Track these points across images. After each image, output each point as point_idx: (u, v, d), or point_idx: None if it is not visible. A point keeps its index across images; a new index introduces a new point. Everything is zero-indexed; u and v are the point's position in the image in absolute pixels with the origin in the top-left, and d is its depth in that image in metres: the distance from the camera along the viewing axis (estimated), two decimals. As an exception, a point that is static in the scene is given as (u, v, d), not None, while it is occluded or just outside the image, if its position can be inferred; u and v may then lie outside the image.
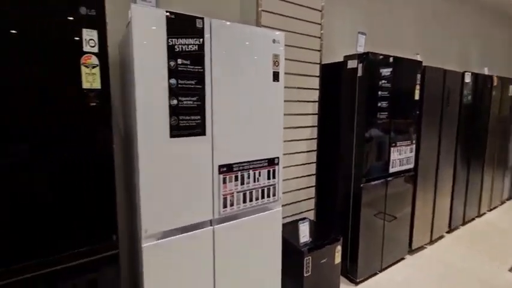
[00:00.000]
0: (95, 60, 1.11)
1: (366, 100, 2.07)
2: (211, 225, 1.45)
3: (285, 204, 2.16)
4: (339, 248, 2.00)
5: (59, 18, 1.04)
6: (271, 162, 1.63)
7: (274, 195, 1.66)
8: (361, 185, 2.12)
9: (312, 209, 2.37)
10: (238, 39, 1.42)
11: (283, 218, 2.13)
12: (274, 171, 1.65)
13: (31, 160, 1.03)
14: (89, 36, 1.09)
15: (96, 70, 1.11)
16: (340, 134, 2.25)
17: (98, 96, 1.12)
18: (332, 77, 2.26)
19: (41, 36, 1.02)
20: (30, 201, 1.04)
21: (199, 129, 1.36)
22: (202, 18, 1.30)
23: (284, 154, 2.08)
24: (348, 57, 2.15)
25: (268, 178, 1.63)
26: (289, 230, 1.98)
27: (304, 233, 1.93)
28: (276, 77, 1.59)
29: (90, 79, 1.11)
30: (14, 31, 0.97)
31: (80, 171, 1.12)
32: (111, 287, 1.21)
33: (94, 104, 1.12)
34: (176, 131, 1.30)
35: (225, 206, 1.47)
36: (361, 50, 2.48)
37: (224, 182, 1.46)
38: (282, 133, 1.66)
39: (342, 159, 2.25)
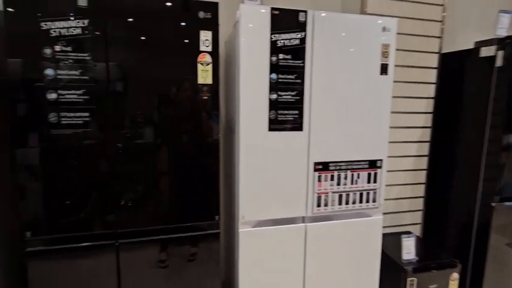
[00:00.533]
0: (208, 58, 1.24)
1: (507, 97, 1.64)
2: (303, 223, 1.42)
3: (384, 213, 1.93)
4: (456, 275, 1.66)
5: (183, 23, 1.22)
6: (373, 164, 1.48)
7: (374, 201, 1.51)
8: (492, 205, 1.70)
9: (417, 223, 2.05)
10: (342, 30, 1.35)
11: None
12: (376, 174, 1.49)
13: (155, 143, 1.24)
14: (205, 37, 1.23)
15: (209, 67, 1.25)
16: (463, 138, 1.86)
17: (209, 90, 1.26)
18: (454, 68, 1.89)
19: (169, 40, 1.21)
20: (153, 178, 1.26)
21: (296, 124, 1.35)
22: (305, 12, 1.29)
23: (388, 157, 1.86)
24: (481, 44, 1.75)
25: (369, 182, 1.49)
26: (388, 242, 1.76)
27: (409, 249, 1.68)
28: (384, 69, 1.43)
29: (204, 75, 1.25)
30: (143, 37, 1.19)
31: (192, 155, 1.28)
32: (211, 260, 1.35)
33: (206, 97, 1.26)
34: (274, 124, 1.32)
35: (318, 205, 1.42)
36: (503, 33, 1.98)
37: (319, 180, 1.41)
38: (388, 133, 1.49)
39: (463, 170, 1.86)
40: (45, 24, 1.06)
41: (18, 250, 1.16)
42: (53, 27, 1.07)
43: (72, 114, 1.12)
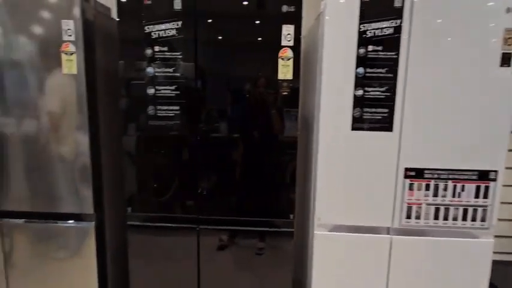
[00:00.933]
0: (290, 53, 1.22)
1: None
2: (388, 234, 1.27)
3: (496, 236, 1.58)
4: None
5: (266, 19, 1.22)
6: (484, 175, 1.22)
7: (483, 220, 1.24)
8: None
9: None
10: (449, 14, 1.14)
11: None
12: (487, 188, 1.22)
13: (235, 138, 1.29)
14: (287, 31, 1.21)
15: (290, 62, 1.22)
16: None
17: (289, 86, 1.24)
18: None
19: (252, 37, 1.23)
20: (229, 171, 1.31)
21: (385, 124, 1.21)
22: (402, -5, 1.14)
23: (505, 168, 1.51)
24: None
25: (477, 196, 1.23)
26: (499, 272, 1.42)
27: (532, 287, 1.33)
28: (506, 60, 1.16)
29: (285, 70, 1.23)
30: (228, 36, 1.24)
31: (269, 151, 1.29)
32: (284, 258, 1.33)
33: (286, 93, 1.24)
34: (358, 123, 1.21)
35: (408, 217, 1.24)
36: None
37: (410, 188, 1.23)
38: (508, 139, 1.20)
39: None
40: (148, 28, 1.20)
41: (123, 223, 1.37)
42: (153, 30, 1.20)
43: (165, 108, 1.25)
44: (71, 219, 1.34)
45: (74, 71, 1.23)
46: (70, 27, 1.20)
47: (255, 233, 1.32)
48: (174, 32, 1.20)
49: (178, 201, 1.33)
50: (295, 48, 1.20)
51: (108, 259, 1.44)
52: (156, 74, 1.23)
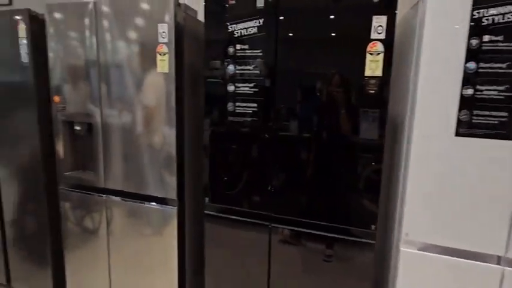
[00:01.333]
0: (380, 47, 1.09)
1: None
2: (499, 264, 1.04)
3: None
4: None
5: (354, 10, 1.11)
6: None
7: None
8: None
9: None
10: None
11: None
12: None
13: (299, 136, 1.23)
14: (378, 23, 1.08)
15: (380, 57, 1.10)
16: None
17: (377, 83, 1.11)
18: None
19: (339, 31, 1.14)
20: (303, 171, 1.25)
21: (503, 131, 0.99)
22: (541, -32, 0.90)
23: None
24: None
25: None
26: None
27: None
28: None
29: (373, 66, 1.10)
30: (311, 32, 1.17)
31: (347, 155, 1.19)
32: (362, 271, 1.22)
33: (373, 91, 1.11)
34: (466, 128, 1.02)
35: (529, 247, 1.00)
36: None
37: (535, 211, 0.98)
38: None
39: None
40: (231, 27, 1.22)
41: (200, 212, 1.45)
42: (236, 28, 1.22)
43: (244, 104, 1.27)
44: (156, 202, 1.48)
45: (166, 69, 1.34)
46: (164, 30, 1.31)
47: (327, 238, 1.23)
48: (255, 29, 1.20)
49: (252, 196, 1.33)
50: (386, 41, 1.07)
51: (187, 242, 1.54)
52: (237, 71, 1.25)
